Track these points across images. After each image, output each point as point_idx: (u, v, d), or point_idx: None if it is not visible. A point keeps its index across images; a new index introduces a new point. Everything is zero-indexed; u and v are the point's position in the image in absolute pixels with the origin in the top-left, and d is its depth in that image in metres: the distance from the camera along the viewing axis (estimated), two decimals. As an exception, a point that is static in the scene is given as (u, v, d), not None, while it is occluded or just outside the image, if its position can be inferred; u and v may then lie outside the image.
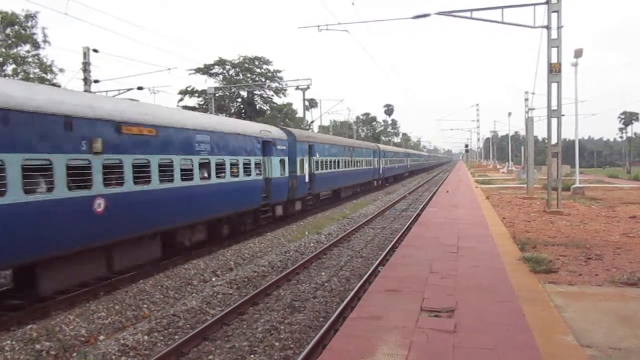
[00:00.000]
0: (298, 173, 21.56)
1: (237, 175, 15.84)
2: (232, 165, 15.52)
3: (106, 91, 30.55)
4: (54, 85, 33.97)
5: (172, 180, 12.29)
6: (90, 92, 29.00)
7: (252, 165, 16.96)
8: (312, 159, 23.75)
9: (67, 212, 9.02)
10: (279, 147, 19.62)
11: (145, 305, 9.98)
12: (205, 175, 14.12)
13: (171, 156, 12.30)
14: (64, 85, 35.33)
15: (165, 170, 12.07)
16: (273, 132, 19.89)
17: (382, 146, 49.36)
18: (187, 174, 12.95)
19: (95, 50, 29.03)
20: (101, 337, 8.34)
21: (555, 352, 5.40)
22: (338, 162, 28.99)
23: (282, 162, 19.73)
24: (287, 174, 20.28)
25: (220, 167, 14.73)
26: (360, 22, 34.08)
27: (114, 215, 10.14)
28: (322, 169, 25.56)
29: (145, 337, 8.07)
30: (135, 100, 13.69)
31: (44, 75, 35.41)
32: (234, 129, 16.43)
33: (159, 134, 11.80)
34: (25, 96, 8.58)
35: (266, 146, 18.43)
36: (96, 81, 29.99)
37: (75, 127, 9.29)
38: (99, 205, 9.80)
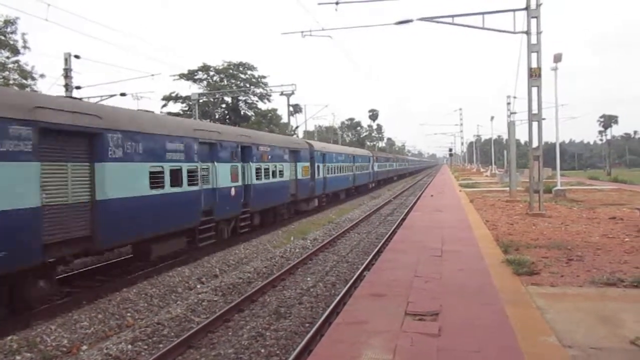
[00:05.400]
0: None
1: None
2: None
3: (88, 97, 30.24)
4: (34, 92, 33.65)
5: None
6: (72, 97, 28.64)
7: None
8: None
9: None
10: None
11: (129, 314, 9.87)
12: None
13: None
14: (45, 92, 34.88)
15: None
16: None
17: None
18: None
19: (76, 57, 28.70)
20: (84, 347, 8.21)
21: (538, 353, 5.47)
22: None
23: None
24: None
25: None
26: (344, 27, 34.12)
27: None
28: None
29: (129, 346, 7.97)
30: None
31: (24, 81, 34.92)
32: None
33: None
34: None
35: None
36: (78, 87, 29.66)
37: None
38: None
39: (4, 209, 8.25)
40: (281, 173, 22.00)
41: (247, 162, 18.33)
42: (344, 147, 50.21)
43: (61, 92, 27.23)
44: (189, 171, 13.99)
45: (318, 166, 28.25)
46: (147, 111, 14.33)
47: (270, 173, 20.66)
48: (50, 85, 66.10)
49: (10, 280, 8.84)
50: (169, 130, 13.56)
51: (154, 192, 12.32)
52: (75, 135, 10.07)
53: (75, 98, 11.85)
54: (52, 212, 9.28)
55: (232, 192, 16.83)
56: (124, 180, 11.20)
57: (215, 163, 15.63)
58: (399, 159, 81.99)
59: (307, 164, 26.41)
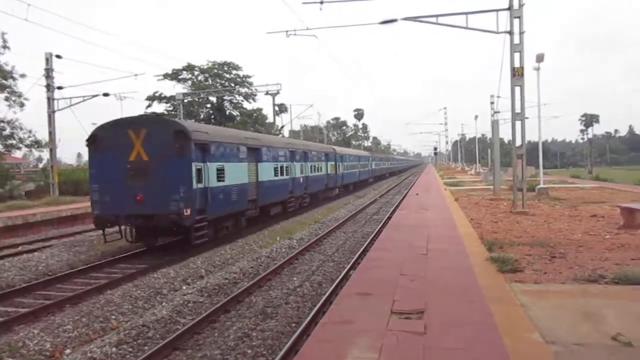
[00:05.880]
0: None
1: None
2: None
3: (70, 98, 29.82)
4: (15, 92, 33.49)
5: None
6: (53, 98, 28.27)
7: None
8: None
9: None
10: None
11: (113, 317, 9.76)
12: None
13: None
14: (26, 92, 34.47)
15: None
16: None
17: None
18: None
19: (58, 56, 28.29)
20: (67, 351, 8.11)
21: (522, 349, 5.53)
22: None
23: None
24: None
25: None
26: (329, 27, 33.79)
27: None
28: None
29: (114, 349, 7.88)
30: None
31: (4, 81, 34.26)
32: None
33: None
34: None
35: None
36: (59, 88, 29.22)
37: None
38: None
39: (241, 182, 18.34)
40: (321, 169, 32.20)
41: (306, 161, 28.61)
42: (353, 149, 60.72)
43: (42, 91, 26.81)
44: (285, 167, 24.41)
45: (338, 165, 37.27)
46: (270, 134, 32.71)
47: (316, 169, 30.81)
48: (31, 85, 64.70)
49: (234, 216, 18.52)
50: (278, 144, 24.43)
51: (274, 178, 22.59)
52: (253, 150, 20.02)
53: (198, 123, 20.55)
54: (249, 185, 19.31)
55: (301, 180, 27.30)
56: (266, 171, 21.49)
57: (294, 162, 25.99)
58: (390, 159, 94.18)
59: (333, 162, 35.74)
